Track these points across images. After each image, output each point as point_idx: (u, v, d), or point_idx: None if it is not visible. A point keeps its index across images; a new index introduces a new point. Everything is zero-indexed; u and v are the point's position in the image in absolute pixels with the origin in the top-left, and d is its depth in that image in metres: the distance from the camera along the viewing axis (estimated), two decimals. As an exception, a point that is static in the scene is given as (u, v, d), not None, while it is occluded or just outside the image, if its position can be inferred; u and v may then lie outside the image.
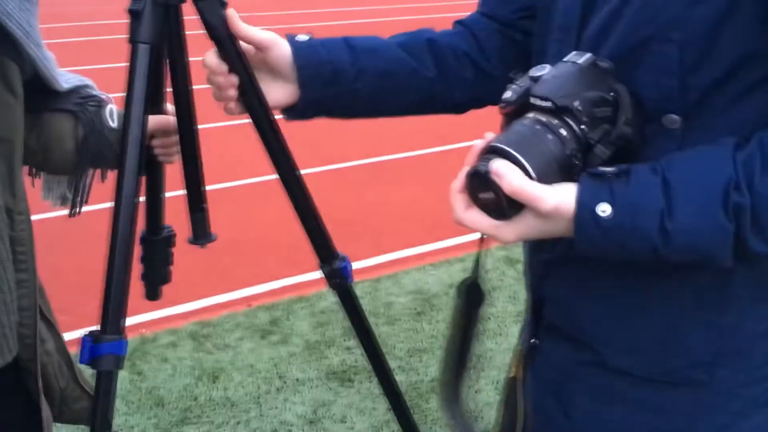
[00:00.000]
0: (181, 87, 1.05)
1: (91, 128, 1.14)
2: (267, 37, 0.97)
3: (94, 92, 1.19)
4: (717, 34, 0.73)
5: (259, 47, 0.98)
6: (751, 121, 0.75)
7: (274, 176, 1.10)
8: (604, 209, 0.71)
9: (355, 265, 1.33)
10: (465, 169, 0.76)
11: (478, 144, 0.77)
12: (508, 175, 0.71)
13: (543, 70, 0.79)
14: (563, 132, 0.73)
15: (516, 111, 0.79)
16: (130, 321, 1.12)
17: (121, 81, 0.99)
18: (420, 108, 1.05)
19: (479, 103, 1.05)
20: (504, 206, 0.72)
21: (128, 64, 0.97)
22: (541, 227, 0.75)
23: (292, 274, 3.48)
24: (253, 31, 0.98)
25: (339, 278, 1.17)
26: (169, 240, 1.22)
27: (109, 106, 1.18)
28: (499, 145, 0.74)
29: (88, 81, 1.20)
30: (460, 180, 0.77)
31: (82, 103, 1.14)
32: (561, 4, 0.87)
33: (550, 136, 0.73)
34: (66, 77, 1.14)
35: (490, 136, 0.77)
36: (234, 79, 0.97)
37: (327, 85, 0.97)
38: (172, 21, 0.99)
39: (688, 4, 0.73)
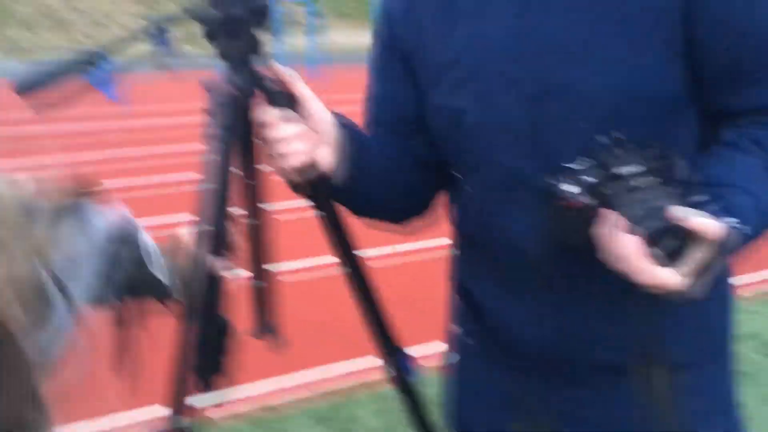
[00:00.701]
0: (249, 171, 1.05)
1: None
2: (309, 93, 1.02)
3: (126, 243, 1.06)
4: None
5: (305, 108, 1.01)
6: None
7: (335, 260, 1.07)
8: (736, 224, 0.82)
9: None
10: (627, 237, 0.80)
11: (615, 221, 0.82)
12: (687, 212, 0.78)
13: (589, 163, 0.83)
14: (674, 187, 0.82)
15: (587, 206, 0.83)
16: (190, 402, 1.09)
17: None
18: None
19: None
20: (684, 248, 0.78)
21: (206, 155, 1.00)
22: (704, 256, 0.79)
23: (355, 356, 3.41)
24: (307, 92, 1.02)
25: (399, 373, 1.11)
26: (224, 328, 1.18)
27: (144, 248, 1.08)
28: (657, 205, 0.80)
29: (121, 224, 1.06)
30: (632, 244, 0.79)
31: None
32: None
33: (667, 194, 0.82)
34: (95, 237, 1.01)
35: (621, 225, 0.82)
36: (302, 130, 0.99)
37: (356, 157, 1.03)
38: (244, 113, 1.01)
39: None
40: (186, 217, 1.04)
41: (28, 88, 1.01)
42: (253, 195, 1.06)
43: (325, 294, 4.11)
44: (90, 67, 1.01)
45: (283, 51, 16.97)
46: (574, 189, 0.83)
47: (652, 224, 0.78)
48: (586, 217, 0.84)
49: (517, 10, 0.91)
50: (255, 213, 1.07)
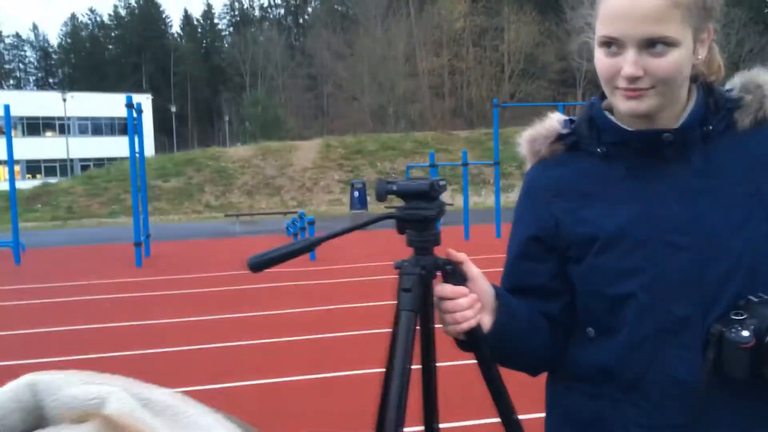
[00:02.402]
0: (427, 337, 1.26)
1: None
2: (476, 272, 1.27)
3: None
4: None
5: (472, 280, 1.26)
6: None
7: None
8: None
9: None
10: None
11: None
12: None
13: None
14: None
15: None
16: None
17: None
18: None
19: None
20: None
21: (394, 327, 1.22)
22: None
23: None
24: (475, 270, 1.27)
25: None
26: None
27: None
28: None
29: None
30: None
31: None
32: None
33: None
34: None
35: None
36: (472, 300, 1.22)
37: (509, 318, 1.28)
38: (427, 288, 1.24)
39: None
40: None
41: (258, 267, 1.31)
42: (428, 354, 1.27)
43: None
44: (313, 249, 1.28)
45: (473, 206, 17.52)
46: (744, 333, 1.10)
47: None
48: (753, 355, 1.10)
49: (688, 200, 1.19)
50: (429, 371, 1.27)
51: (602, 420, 1.25)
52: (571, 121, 1.34)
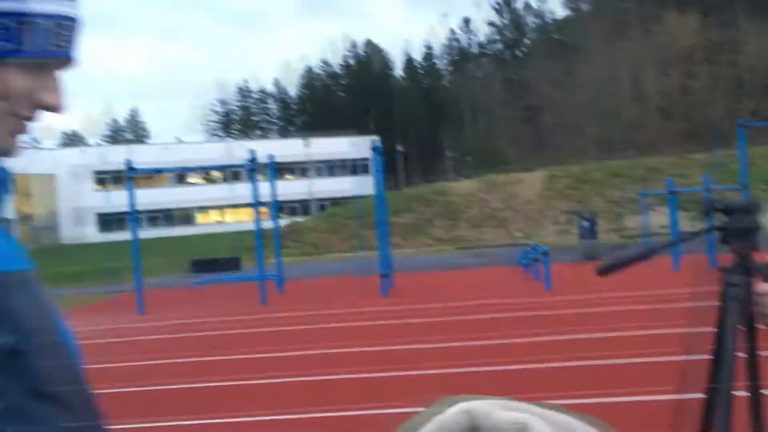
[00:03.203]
0: (752, 334, 1.55)
1: None
2: None
3: None
4: None
5: None
6: None
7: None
8: None
9: None
10: None
11: None
12: None
13: None
14: None
15: None
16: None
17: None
18: None
19: None
20: None
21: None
22: None
23: None
24: None
25: None
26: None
27: None
28: None
29: None
30: None
31: None
32: None
33: None
34: None
35: None
36: None
37: None
38: (749, 290, 1.53)
39: None
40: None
41: (607, 271, 1.68)
42: (753, 356, 1.55)
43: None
44: (651, 257, 1.63)
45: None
46: None
47: None
48: None
49: None
50: (755, 375, 1.54)
51: None
52: None
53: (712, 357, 1.56)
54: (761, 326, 1.56)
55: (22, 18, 0.82)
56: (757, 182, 24.06)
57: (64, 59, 0.88)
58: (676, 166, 33.57)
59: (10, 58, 0.82)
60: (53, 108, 0.88)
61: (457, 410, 0.54)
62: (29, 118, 0.88)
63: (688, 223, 25.38)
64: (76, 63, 0.91)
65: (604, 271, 1.68)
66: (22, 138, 0.90)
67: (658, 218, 24.77)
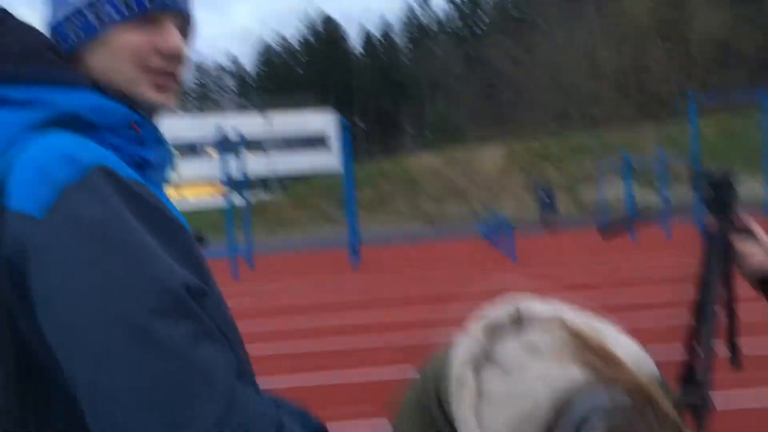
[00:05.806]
0: (727, 279, 1.89)
1: None
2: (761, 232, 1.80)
3: None
4: None
5: None
6: None
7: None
8: None
9: None
10: None
11: None
12: None
13: None
14: None
15: None
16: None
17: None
18: None
19: None
20: None
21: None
22: None
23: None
24: (756, 227, 1.80)
25: None
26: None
27: None
28: None
29: None
30: None
31: None
32: None
33: None
34: None
35: None
36: (760, 250, 1.79)
37: None
38: (726, 241, 1.87)
39: None
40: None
41: (608, 231, 2.01)
42: (729, 297, 1.89)
43: None
44: (652, 215, 1.95)
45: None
46: None
47: None
48: None
49: None
50: (731, 312, 1.88)
51: None
52: None
53: (697, 288, 1.86)
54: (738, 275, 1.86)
55: None
56: (705, 151, 24.85)
57: (177, 12, 0.96)
58: (630, 140, 34.39)
59: (125, 22, 0.92)
60: (174, 52, 0.95)
61: (504, 304, 0.67)
62: (164, 70, 0.95)
63: (641, 195, 26.14)
64: (191, 17, 1.00)
65: (607, 235, 2.00)
66: (169, 93, 0.97)
67: (614, 190, 25.33)
